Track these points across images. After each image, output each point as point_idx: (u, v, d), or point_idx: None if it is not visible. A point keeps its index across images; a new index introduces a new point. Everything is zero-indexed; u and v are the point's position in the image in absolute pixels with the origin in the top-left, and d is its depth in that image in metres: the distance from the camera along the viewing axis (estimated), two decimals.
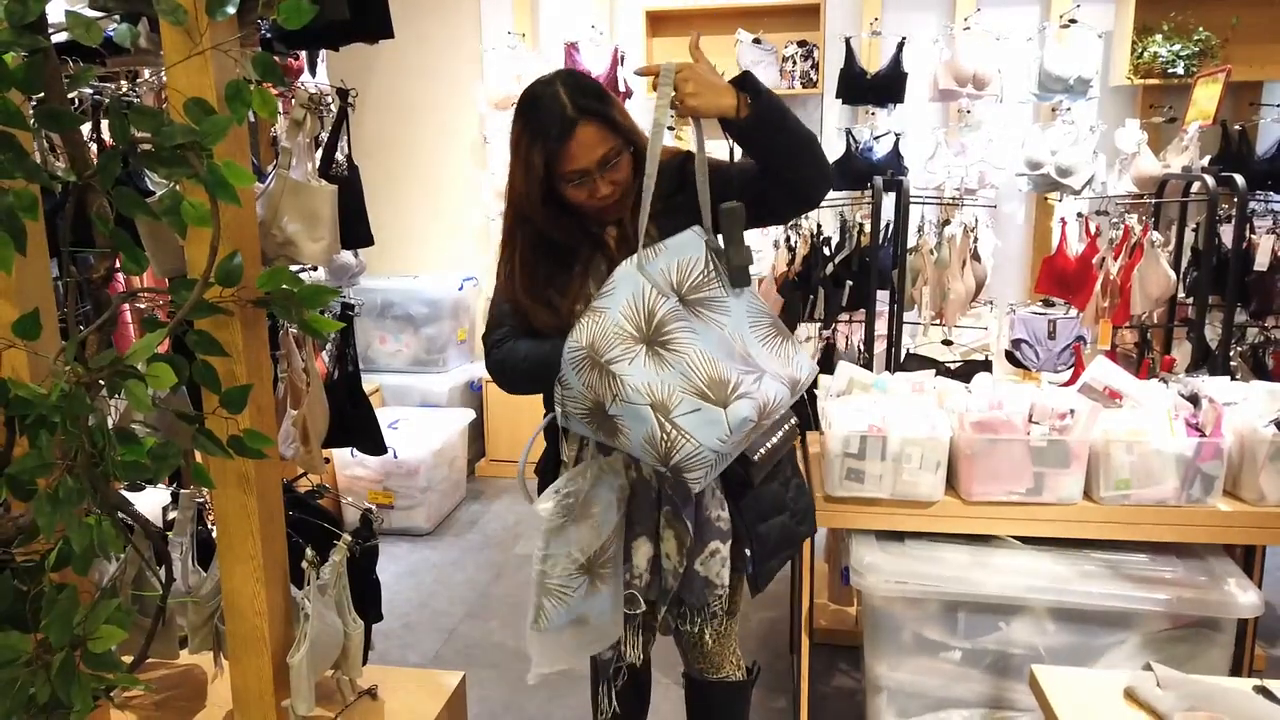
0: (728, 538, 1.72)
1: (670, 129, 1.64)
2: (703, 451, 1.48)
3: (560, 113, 1.53)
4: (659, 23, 4.80)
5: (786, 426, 1.73)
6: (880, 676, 2.27)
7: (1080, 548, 2.19)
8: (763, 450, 1.67)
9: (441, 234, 5.36)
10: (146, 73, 2.29)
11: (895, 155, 4.22)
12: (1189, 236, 3.42)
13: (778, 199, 1.64)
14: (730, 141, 1.60)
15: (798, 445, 1.90)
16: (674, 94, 1.50)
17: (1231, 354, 3.19)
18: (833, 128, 4.69)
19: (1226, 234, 3.22)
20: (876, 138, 4.32)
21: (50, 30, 1.31)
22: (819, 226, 3.89)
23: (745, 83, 1.55)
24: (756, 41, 4.55)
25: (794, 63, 4.59)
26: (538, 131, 1.54)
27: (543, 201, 1.59)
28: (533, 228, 1.65)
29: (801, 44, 4.59)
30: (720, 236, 1.55)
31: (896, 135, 4.28)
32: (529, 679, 1.70)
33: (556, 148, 1.53)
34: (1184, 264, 3.44)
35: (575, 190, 1.59)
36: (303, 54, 3.25)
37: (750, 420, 1.50)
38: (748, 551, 1.75)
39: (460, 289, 5.03)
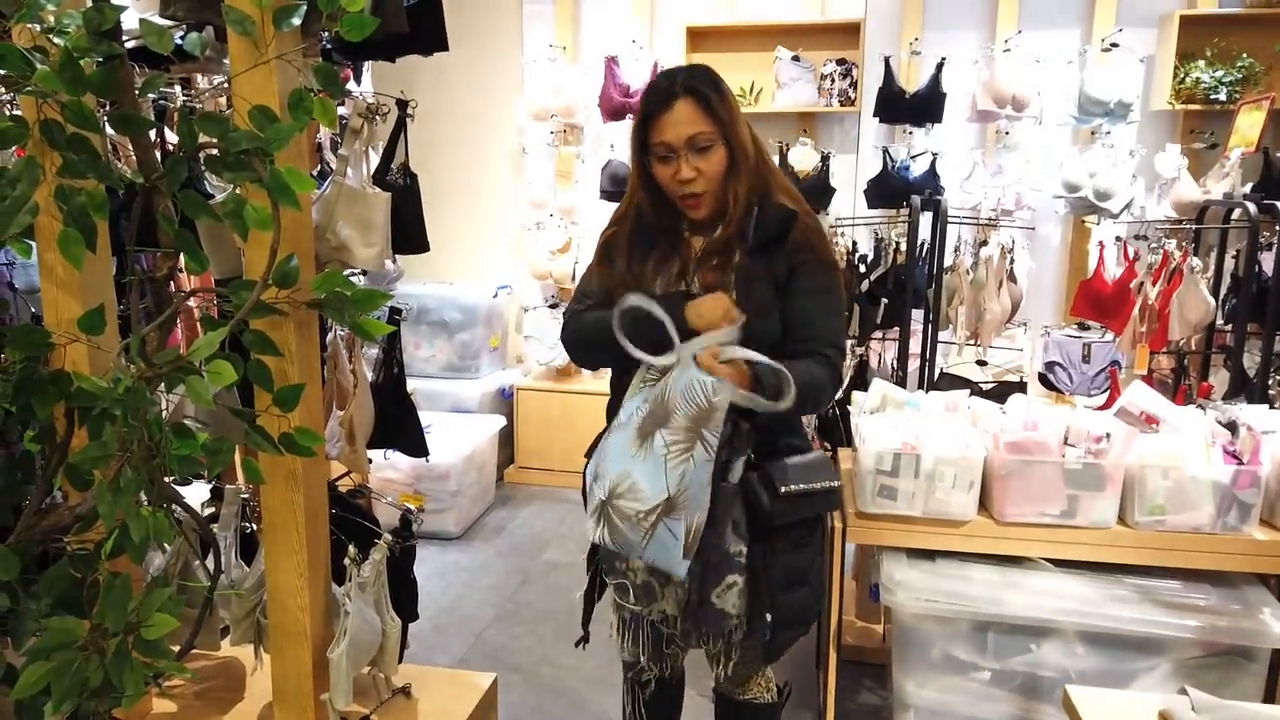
0: (745, 571, 1.67)
1: None
2: None
3: (666, 87, 1.61)
4: (699, 38, 4.84)
5: (829, 484, 1.69)
6: (908, 694, 2.27)
7: (1113, 572, 2.18)
8: (792, 487, 1.63)
9: (478, 242, 5.42)
10: (201, 80, 2.36)
11: (932, 174, 4.23)
12: (1229, 263, 3.40)
13: None
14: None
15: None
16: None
17: (1270, 382, 3.15)
18: (870, 146, 4.70)
19: (1267, 261, 3.19)
20: (913, 157, 4.33)
21: (123, 38, 1.36)
22: (854, 244, 3.91)
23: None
24: (795, 59, 4.58)
25: (832, 80, 4.61)
26: (643, 101, 1.64)
27: (642, 171, 1.68)
28: (642, 208, 1.72)
29: (840, 62, 4.60)
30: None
31: (934, 155, 4.29)
32: None
33: (652, 115, 1.61)
34: (1223, 290, 3.41)
35: (661, 166, 1.64)
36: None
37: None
38: (768, 616, 1.70)
39: (495, 297, 5.08)
